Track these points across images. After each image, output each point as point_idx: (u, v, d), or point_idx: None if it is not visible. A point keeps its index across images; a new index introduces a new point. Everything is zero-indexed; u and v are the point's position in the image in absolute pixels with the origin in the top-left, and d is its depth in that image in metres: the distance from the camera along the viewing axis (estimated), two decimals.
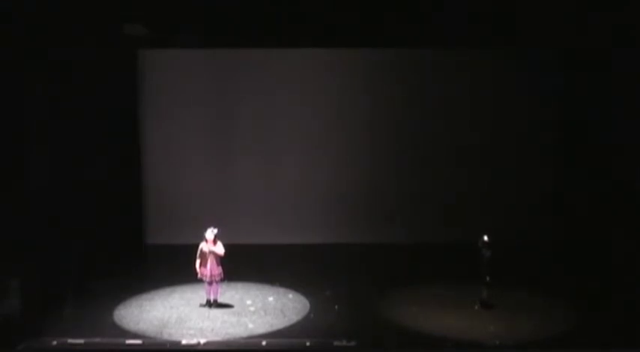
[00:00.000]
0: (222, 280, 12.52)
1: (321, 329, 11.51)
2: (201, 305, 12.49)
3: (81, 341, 10.89)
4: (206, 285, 12.48)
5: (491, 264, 12.33)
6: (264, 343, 10.93)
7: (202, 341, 10.99)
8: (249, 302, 12.86)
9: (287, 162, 17.34)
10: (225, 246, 12.34)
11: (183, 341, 10.97)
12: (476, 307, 12.43)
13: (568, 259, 15.32)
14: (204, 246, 12.31)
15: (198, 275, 12.40)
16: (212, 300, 12.51)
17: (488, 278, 12.32)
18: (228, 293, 13.08)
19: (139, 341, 10.98)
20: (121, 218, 15.76)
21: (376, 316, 12.24)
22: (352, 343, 10.78)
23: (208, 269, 12.32)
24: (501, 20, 14.43)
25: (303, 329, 11.59)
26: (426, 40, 15.65)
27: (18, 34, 11.28)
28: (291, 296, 13.22)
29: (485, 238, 12.44)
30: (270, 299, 13.05)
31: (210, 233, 12.33)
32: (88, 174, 14.02)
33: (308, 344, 10.84)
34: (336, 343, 10.80)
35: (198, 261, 12.31)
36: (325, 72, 17.14)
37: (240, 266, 12.99)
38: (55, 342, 10.87)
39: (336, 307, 12.61)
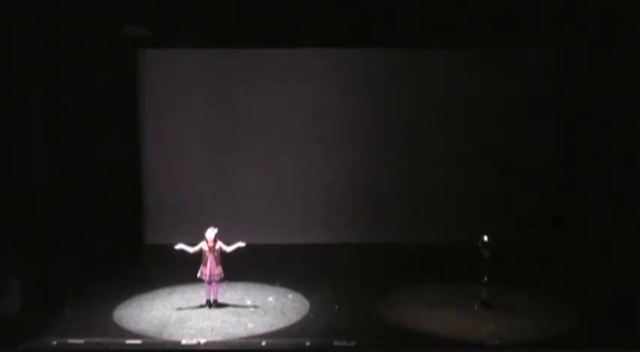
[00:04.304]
0: (222, 280, 12.52)
1: (321, 329, 11.51)
2: (202, 306, 12.50)
3: (81, 341, 10.89)
4: (206, 285, 12.49)
5: (491, 263, 12.33)
6: (263, 343, 10.93)
7: (202, 341, 11.00)
8: (249, 302, 12.87)
9: (287, 162, 17.33)
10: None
11: (183, 341, 10.98)
12: (476, 307, 12.44)
13: (568, 259, 15.30)
14: (204, 246, 12.32)
15: (199, 274, 12.40)
16: (212, 300, 12.51)
17: (485, 279, 12.33)
18: (228, 293, 13.08)
19: (138, 341, 10.98)
20: (121, 218, 15.75)
21: (376, 316, 12.24)
22: (352, 343, 10.78)
23: (208, 268, 12.32)
24: (501, 20, 14.42)
25: (303, 329, 11.59)
26: (426, 40, 15.67)
27: (17, 34, 11.27)
28: (291, 296, 13.22)
29: (485, 238, 12.44)
30: (270, 299, 13.05)
31: (211, 232, 12.34)
32: (87, 174, 14.01)
33: (308, 344, 10.85)
34: (336, 343, 10.80)
35: (191, 250, 12.29)
36: (325, 72, 17.14)
37: (241, 266, 12.98)
38: (55, 342, 10.87)
39: (336, 307, 12.61)
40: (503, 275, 12.71)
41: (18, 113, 11.42)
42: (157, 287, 13.59)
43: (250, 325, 11.70)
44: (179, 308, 12.47)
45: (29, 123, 11.86)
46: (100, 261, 14.08)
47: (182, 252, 12.35)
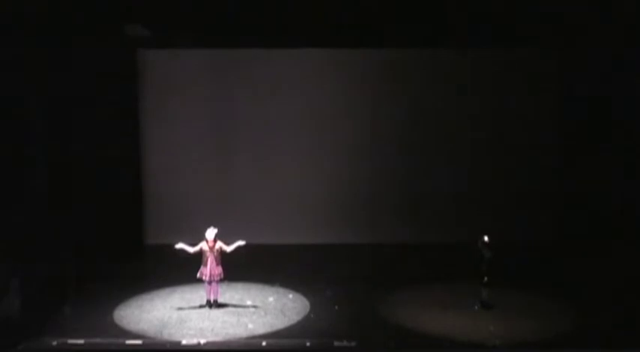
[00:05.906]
0: (222, 280, 12.52)
1: (321, 329, 11.50)
2: (202, 306, 12.50)
3: (81, 341, 10.88)
4: (206, 285, 12.48)
5: (491, 264, 12.33)
6: (264, 343, 10.93)
7: (202, 341, 10.99)
8: (249, 302, 12.87)
9: (287, 162, 17.33)
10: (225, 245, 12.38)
11: (184, 342, 10.97)
12: (476, 307, 12.44)
13: (568, 259, 15.30)
14: (204, 246, 12.32)
15: (199, 275, 12.40)
16: (212, 300, 12.51)
17: (486, 279, 12.33)
18: (228, 293, 13.08)
19: (139, 341, 10.98)
20: (121, 218, 15.76)
21: (376, 316, 12.24)
22: (352, 343, 10.78)
23: (208, 269, 12.32)
24: (501, 20, 14.44)
25: (303, 329, 11.58)
26: (426, 40, 15.68)
27: (18, 34, 11.29)
28: (291, 296, 13.22)
29: (485, 238, 12.44)
30: (271, 299, 13.05)
31: (211, 232, 12.33)
32: (88, 174, 14.03)
33: (308, 344, 10.84)
34: (336, 343, 10.80)
35: (191, 250, 12.30)
36: (325, 72, 17.14)
37: (241, 266, 12.98)
38: (55, 342, 10.86)
39: (336, 307, 12.62)
40: (503, 275, 12.71)
41: (18, 113, 11.43)
42: (157, 288, 13.58)
43: (250, 325, 11.70)
44: (179, 309, 12.46)
45: (29, 123, 11.87)
46: (100, 261, 14.08)
47: (182, 251, 12.35)
